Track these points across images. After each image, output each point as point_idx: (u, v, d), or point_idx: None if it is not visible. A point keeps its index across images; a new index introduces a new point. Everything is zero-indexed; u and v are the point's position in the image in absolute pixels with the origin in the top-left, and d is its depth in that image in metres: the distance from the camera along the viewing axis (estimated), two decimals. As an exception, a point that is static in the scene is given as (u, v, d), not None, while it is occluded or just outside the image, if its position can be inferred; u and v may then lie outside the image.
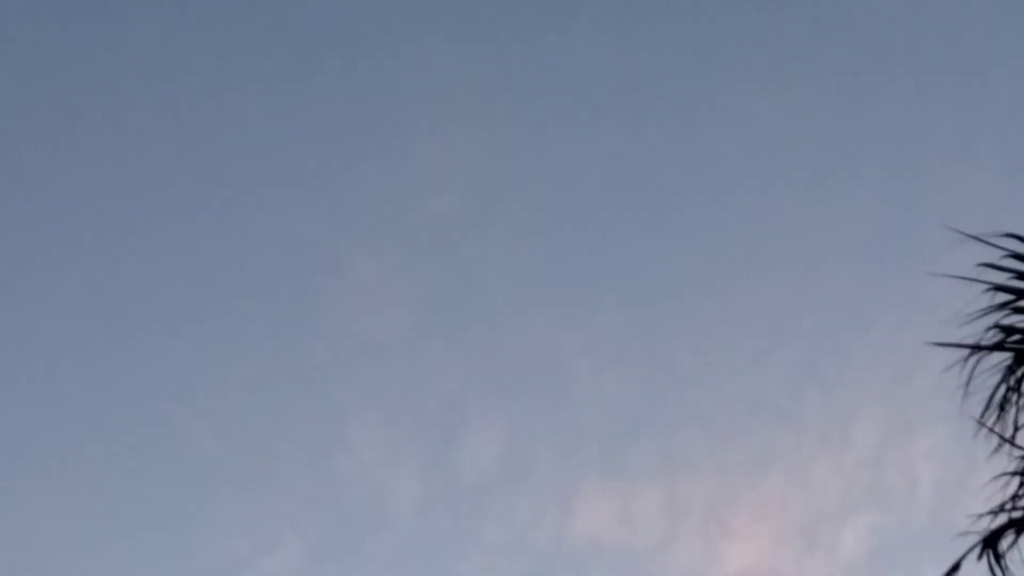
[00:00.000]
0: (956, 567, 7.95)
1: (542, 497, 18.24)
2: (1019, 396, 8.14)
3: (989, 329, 8.05)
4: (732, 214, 18.53)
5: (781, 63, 18.32)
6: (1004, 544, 7.95)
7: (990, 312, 8.12)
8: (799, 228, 18.31)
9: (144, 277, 19.05)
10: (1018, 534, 7.93)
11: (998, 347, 7.97)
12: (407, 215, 18.74)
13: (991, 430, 8.16)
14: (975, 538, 7.97)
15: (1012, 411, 8.15)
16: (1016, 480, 8.03)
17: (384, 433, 18.48)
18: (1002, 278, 8.12)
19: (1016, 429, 8.16)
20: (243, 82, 18.86)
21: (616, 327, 18.54)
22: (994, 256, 8.15)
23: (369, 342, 18.66)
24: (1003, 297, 8.07)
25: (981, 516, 8.00)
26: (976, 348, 7.99)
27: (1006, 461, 8.18)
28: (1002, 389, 8.14)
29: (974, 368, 8.14)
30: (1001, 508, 7.99)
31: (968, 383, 8.14)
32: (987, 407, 8.15)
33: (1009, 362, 8.08)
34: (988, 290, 8.06)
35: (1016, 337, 8.00)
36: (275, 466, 18.53)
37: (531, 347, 18.67)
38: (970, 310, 8.15)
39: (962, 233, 8.01)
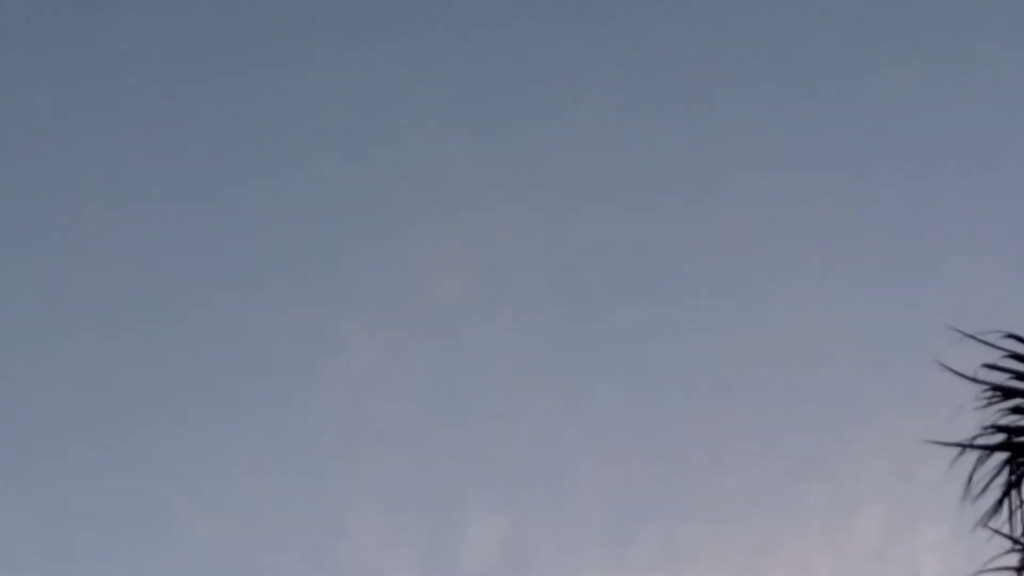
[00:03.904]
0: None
1: (543, 588, 18.12)
2: (1019, 493, 8.15)
3: (987, 428, 8.08)
4: (735, 304, 18.57)
5: (786, 152, 18.45)
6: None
7: (989, 410, 8.15)
8: (802, 319, 18.33)
9: (145, 363, 19.10)
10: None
11: (995, 447, 7.99)
12: (411, 302, 18.80)
13: (991, 528, 8.15)
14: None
15: (1011, 508, 8.17)
16: (1016, 576, 8.02)
17: (384, 521, 18.39)
18: (1002, 378, 8.16)
19: (1016, 525, 8.17)
20: (247, 164, 19.05)
21: (618, 417, 18.51)
22: (995, 355, 8.21)
23: (371, 429, 18.64)
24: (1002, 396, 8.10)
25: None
26: (973, 447, 8.01)
27: (1007, 557, 8.18)
28: (1001, 487, 8.15)
29: (974, 466, 8.17)
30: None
31: (968, 481, 8.16)
32: (984, 503, 8.16)
33: (1007, 460, 8.10)
34: (987, 390, 8.10)
35: (1015, 437, 8.02)
36: (274, 554, 18.41)
37: (533, 436, 18.63)
38: (970, 407, 8.19)
39: (962, 333, 8.06)
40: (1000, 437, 8.13)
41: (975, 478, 8.20)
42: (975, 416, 8.22)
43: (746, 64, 18.76)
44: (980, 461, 8.17)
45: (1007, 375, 8.16)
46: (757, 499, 18.03)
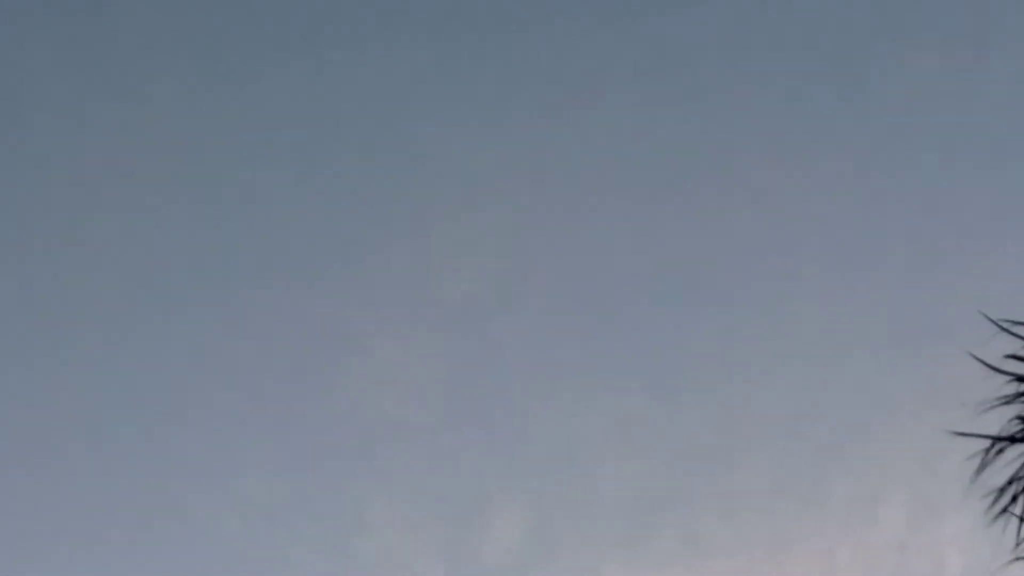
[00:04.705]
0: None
1: (565, 580, 18.11)
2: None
3: (1011, 420, 8.05)
4: (758, 297, 18.53)
5: (807, 141, 18.40)
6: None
7: (1013, 402, 8.11)
8: (825, 310, 18.28)
9: (164, 360, 19.15)
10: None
11: (1016, 439, 7.96)
12: (431, 298, 18.81)
13: (1012, 514, 8.13)
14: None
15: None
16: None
17: (405, 515, 18.41)
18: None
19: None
20: (268, 162, 19.09)
21: (639, 410, 18.48)
22: (1019, 346, 8.18)
23: (391, 424, 18.66)
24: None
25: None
26: (995, 439, 7.98)
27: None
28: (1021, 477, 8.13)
29: (995, 456, 8.14)
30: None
31: (987, 471, 8.14)
32: (1005, 495, 8.12)
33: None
34: (1011, 381, 8.06)
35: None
36: (295, 549, 18.45)
37: (554, 430, 18.62)
38: (994, 398, 8.15)
39: (991, 320, 8.04)
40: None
41: (997, 468, 8.18)
42: (999, 407, 8.19)
43: (764, 59, 18.74)
44: (1002, 451, 8.14)
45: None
46: (779, 491, 18.01)
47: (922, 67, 18.24)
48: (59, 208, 19.11)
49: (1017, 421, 8.04)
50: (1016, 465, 8.15)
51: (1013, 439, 8.02)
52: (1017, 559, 8.10)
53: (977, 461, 8.19)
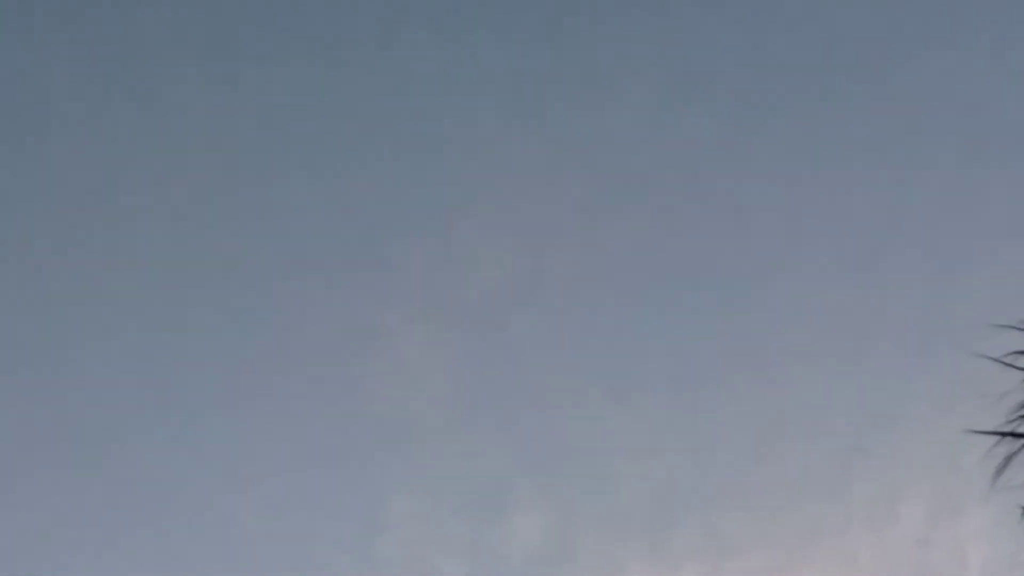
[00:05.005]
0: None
1: (587, 577, 18.15)
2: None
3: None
4: (777, 296, 18.55)
5: (824, 145, 18.41)
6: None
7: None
8: (845, 309, 18.30)
9: (188, 358, 19.25)
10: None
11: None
12: (454, 294, 18.88)
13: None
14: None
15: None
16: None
17: (427, 513, 18.48)
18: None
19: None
20: (294, 159, 19.21)
21: (661, 408, 18.52)
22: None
23: (413, 422, 18.72)
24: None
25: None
26: (1011, 435, 8.02)
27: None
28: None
29: (1013, 453, 8.17)
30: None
31: (1005, 467, 8.17)
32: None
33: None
34: (1025, 380, 8.11)
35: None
36: (318, 546, 18.53)
37: (576, 427, 18.66)
38: (1009, 395, 8.20)
39: (1000, 325, 8.09)
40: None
41: (1011, 463, 8.21)
42: (1012, 404, 8.23)
43: (784, 57, 18.75)
44: (1016, 447, 8.17)
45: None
46: (801, 488, 18.03)
47: (940, 65, 18.29)
48: (89, 207, 19.28)
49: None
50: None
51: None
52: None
53: (997, 458, 8.22)
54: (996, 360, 8.24)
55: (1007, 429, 8.04)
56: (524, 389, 18.83)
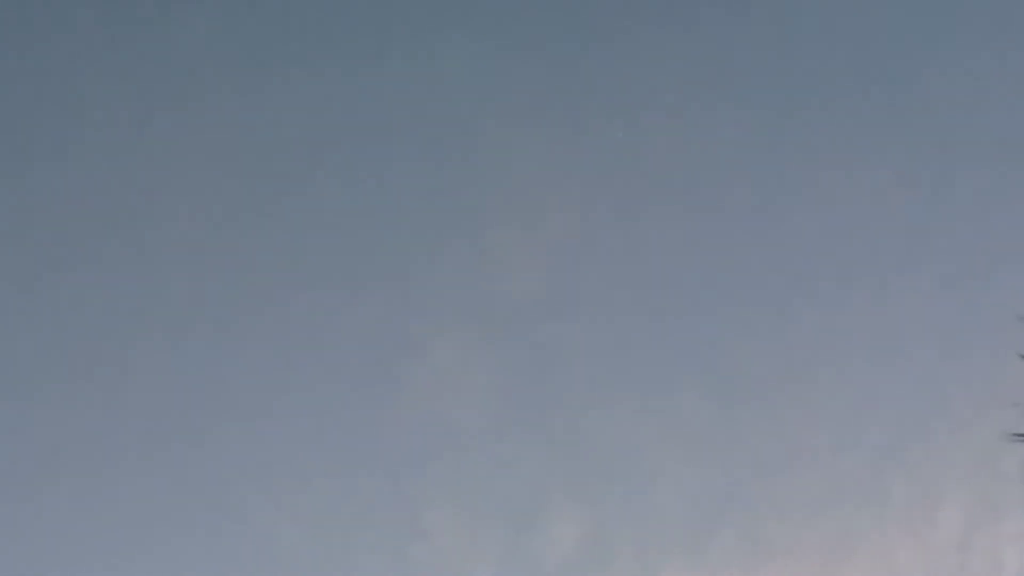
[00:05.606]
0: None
1: (624, 584, 18.09)
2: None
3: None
4: (814, 300, 18.55)
5: (860, 147, 18.45)
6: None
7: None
8: (882, 313, 18.31)
9: (223, 367, 19.18)
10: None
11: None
12: (489, 301, 18.84)
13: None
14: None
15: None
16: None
17: (464, 520, 18.40)
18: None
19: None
20: (326, 166, 19.19)
21: (698, 414, 18.49)
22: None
23: (449, 428, 18.67)
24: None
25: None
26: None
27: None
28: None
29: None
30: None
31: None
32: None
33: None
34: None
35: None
36: (354, 554, 18.44)
37: (612, 434, 18.62)
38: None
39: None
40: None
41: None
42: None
43: (819, 59, 18.82)
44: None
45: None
46: (838, 493, 18.01)
47: (974, 65, 18.36)
48: (124, 214, 19.22)
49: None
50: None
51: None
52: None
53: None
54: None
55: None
56: (559, 396, 18.81)
